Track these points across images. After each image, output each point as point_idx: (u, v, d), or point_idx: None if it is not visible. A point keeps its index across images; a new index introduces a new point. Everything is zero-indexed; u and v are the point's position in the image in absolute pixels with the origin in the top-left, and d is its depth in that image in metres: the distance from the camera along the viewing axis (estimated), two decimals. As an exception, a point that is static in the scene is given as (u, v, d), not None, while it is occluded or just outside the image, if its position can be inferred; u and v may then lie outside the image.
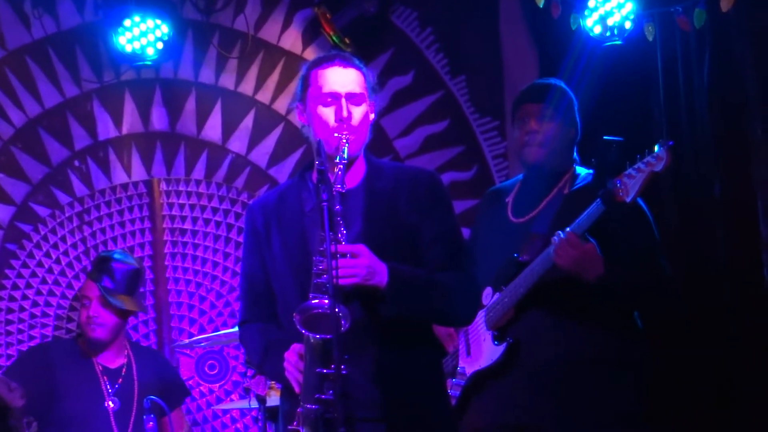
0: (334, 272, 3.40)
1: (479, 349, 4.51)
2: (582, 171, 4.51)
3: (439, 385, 3.87)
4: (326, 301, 3.43)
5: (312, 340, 3.44)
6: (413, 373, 3.71)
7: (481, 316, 4.46)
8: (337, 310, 3.38)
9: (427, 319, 3.82)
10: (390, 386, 3.66)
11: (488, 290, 4.45)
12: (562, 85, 4.63)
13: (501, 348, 4.39)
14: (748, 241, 5.39)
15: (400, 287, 3.61)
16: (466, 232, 4.51)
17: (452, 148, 6.86)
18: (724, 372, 5.47)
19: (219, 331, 6.24)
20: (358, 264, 3.55)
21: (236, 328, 5.24)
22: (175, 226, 6.57)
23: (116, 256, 5.57)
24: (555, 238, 4.20)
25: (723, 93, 5.58)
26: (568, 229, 4.18)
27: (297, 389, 3.56)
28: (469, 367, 4.56)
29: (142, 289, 5.94)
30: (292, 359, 3.58)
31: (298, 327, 3.43)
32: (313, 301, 3.48)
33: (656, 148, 4.11)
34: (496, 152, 6.87)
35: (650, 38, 5.71)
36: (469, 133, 6.89)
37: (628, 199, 4.12)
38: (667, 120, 5.80)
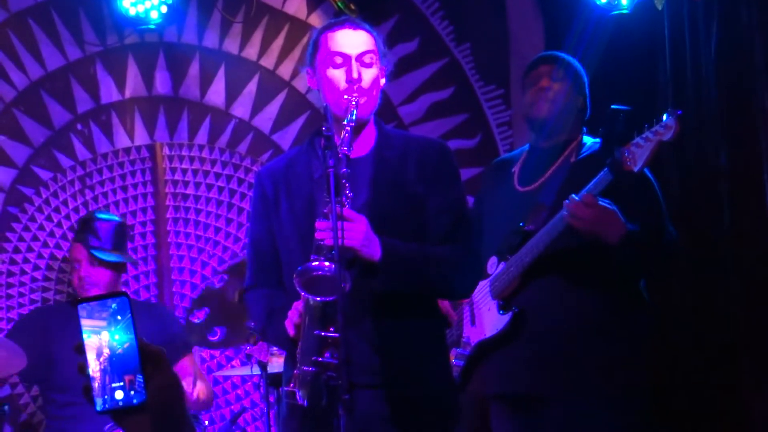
0: (338, 233, 3.39)
1: (484, 319, 4.50)
2: (588, 140, 4.49)
3: (440, 354, 3.87)
4: (327, 263, 3.42)
5: (311, 302, 3.42)
6: (414, 341, 3.72)
7: (486, 285, 4.45)
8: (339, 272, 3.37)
9: (422, 292, 3.80)
10: (390, 354, 3.66)
11: (493, 259, 4.44)
12: (566, 57, 4.63)
13: (506, 317, 4.37)
14: (755, 210, 5.37)
15: (393, 261, 3.61)
16: (469, 201, 4.49)
17: (457, 115, 6.83)
18: (729, 344, 5.45)
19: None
20: (356, 228, 3.54)
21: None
22: (177, 191, 6.55)
23: (98, 215, 5.56)
24: (567, 201, 4.16)
25: (730, 62, 5.55)
26: (583, 191, 4.15)
27: (291, 331, 3.54)
28: (473, 336, 4.55)
29: (133, 248, 5.92)
30: (293, 313, 3.57)
31: (298, 289, 3.41)
32: (313, 263, 3.46)
33: (665, 116, 4.09)
34: (500, 120, 6.85)
35: (660, 7, 5.67)
36: (474, 101, 6.87)
37: (636, 169, 4.09)
38: (674, 89, 5.77)
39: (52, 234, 6.36)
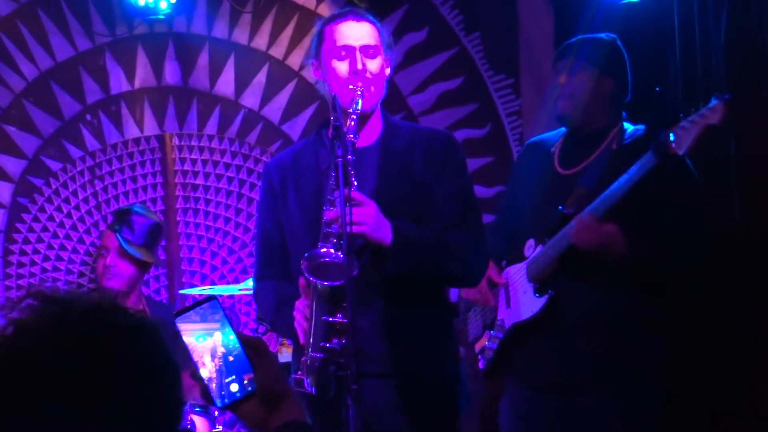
0: (346, 219, 3.39)
1: (519, 301, 4.43)
2: (630, 127, 4.45)
3: (448, 343, 3.87)
4: (334, 251, 3.43)
5: (319, 287, 3.43)
6: (423, 329, 3.73)
7: (523, 268, 4.42)
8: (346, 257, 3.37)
9: (432, 278, 3.81)
10: (399, 342, 3.67)
11: (531, 242, 4.39)
12: (604, 37, 4.56)
13: (542, 300, 4.31)
14: (765, 201, 5.35)
15: (404, 245, 3.62)
16: (479, 190, 4.49)
17: (466, 105, 6.82)
18: (741, 337, 5.44)
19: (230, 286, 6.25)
20: (366, 212, 3.55)
21: (245, 284, 5.26)
22: (187, 181, 6.55)
23: (136, 209, 5.57)
24: (572, 222, 4.15)
25: (740, 52, 5.52)
26: (585, 210, 4.12)
27: (302, 339, 3.55)
28: (508, 319, 4.49)
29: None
30: (302, 306, 3.57)
31: (306, 274, 3.42)
32: (321, 250, 3.47)
33: (711, 100, 4.03)
34: (510, 110, 6.83)
35: (670, -5, 5.66)
36: (484, 91, 6.85)
37: (681, 152, 4.04)
38: (683, 79, 5.75)
39: (61, 225, 6.37)
